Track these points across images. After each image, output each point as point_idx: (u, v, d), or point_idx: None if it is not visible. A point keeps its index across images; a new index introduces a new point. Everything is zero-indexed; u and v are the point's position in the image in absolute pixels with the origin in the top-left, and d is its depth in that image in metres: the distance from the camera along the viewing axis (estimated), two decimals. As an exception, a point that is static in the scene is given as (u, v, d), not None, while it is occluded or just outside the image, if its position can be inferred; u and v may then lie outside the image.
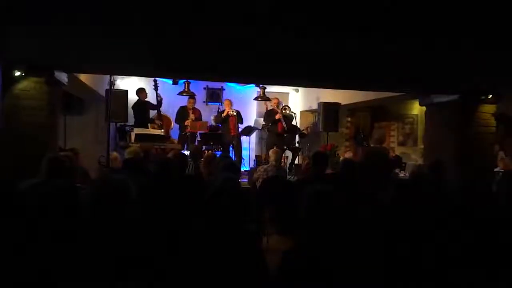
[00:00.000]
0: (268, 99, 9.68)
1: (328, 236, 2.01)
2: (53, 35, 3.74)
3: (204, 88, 10.64)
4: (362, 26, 3.16)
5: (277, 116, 8.96)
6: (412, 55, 4.09)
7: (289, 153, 9.34)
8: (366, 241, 2.11)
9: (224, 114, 9.06)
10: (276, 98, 9.38)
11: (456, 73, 4.95)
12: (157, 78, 8.52)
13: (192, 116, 8.88)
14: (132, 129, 8.01)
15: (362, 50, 3.91)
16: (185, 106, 9.06)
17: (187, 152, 7.98)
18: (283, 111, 9.04)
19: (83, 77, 6.99)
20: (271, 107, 9.37)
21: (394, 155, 8.98)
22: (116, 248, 1.92)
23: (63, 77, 5.52)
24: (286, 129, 8.91)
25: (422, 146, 8.47)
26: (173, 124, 9.06)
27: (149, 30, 3.55)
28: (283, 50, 4.02)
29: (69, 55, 4.68)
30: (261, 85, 9.55)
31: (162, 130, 8.33)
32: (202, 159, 5.81)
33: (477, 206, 2.45)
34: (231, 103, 9.25)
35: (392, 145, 10.29)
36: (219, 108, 9.95)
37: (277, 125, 9.01)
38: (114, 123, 7.45)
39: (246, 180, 7.77)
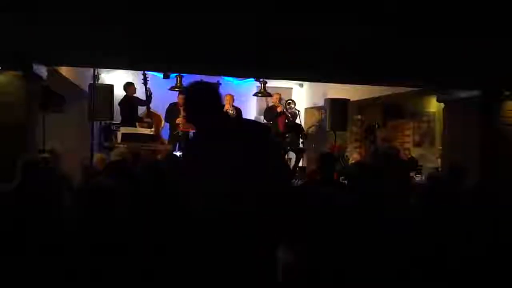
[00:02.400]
0: (269, 95, 9.61)
1: (334, 247, 2.01)
2: (31, 22, 3.73)
3: (199, 83, 10.62)
4: (376, 11, 3.15)
5: (278, 109, 8.91)
6: (431, 44, 4.08)
7: (292, 155, 9.32)
8: (376, 254, 2.11)
9: (223, 111, 8.99)
10: (278, 93, 9.32)
11: (478, 65, 4.95)
12: (146, 72, 8.51)
13: (184, 113, 8.84)
14: (119, 128, 8.00)
15: (376, 38, 3.90)
16: (176, 102, 9.03)
17: (179, 154, 7.97)
18: (287, 106, 9.00)
19: (64, 70, 6.99)
20: (272, 103, 9.33)
21: (409, 156, 8.96)
22: (105, 263, 1.91)
23: (42, 71, 5.51)
24: (288, 123, 8.84)
25: (440, 147, 8.46)
26: (163, 122, 9.05)
27: (136, 15, 3.54)
28: (288, 38, 4.00)
29: (48, 45, 4.68)
30: (261, 79, 9.48)
31: (152, 129, 8.32)
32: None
33: (501, 215, 2.44)
34: (232, 99, 9.04)
35: (406, 145, 10.27)
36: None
37: (277, 123, 8.98)
38: (98, 122, 7.44)
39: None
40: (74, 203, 2.03)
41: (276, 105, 9.10)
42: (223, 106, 2.59)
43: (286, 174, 2.51)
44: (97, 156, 6.07)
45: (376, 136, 9.61)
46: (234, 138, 2.32)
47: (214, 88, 2.56)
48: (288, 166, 3.14)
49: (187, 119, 2.46)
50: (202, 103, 2.40)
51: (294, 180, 8.06)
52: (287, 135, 8.95)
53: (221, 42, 4.27)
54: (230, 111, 8.85)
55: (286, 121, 8.94)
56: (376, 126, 9.41)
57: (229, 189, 2.16)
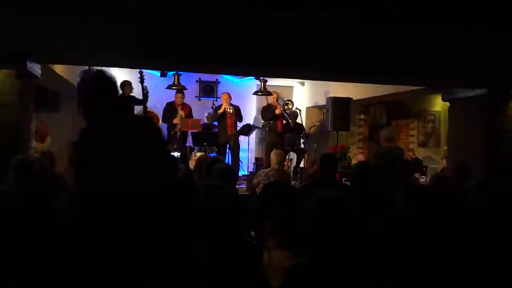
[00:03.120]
0: (269, 94, 9.60)
1: (337, 251, 2.02)
2: (25, 20, 3.75)
3: (197, 81, 10.64)
4: (379, 9, 3.18)
5: (277, 111, 8.90)
6: (437, 42, 4.10)
7: (293, 155, 9.34)
8: (380, 257, 2.12)
9: (221, 110, 8.92)
10: (276, 92, 9.30)
11: (485, 64, 4.97)
12: (143, 70, 8.52)
13: (181, 112, 8.85)
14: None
15: (379, 37, 3.93)
16: (173, 101, 9.04)
17: (177, 154, 7.98)
18: (285, 107, 8.98)
19: (58, 68, 6.99)
20: (269, 102, 9.31)
21: (413, 157, 8.99)
22: (98, 266, 1.93)
23: (36, 68, 5.52)
24: (291, 125, 8.84)
25: (446, 147, 8.48)
26: (161, 121, 9.06)
27: (133, 12, 3.57)
28: (291, 37, 4.03)
29: (43, 43, 4.69)
30: (261, 78, 9.49)
31: (149, 128, 8.31)
32: (194, 163, 5.81)
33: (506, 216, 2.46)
34: (229, 97, 9.04)
35: (411, 146, 10.30)
36: (213, 103, 9.92)
37: (276, 123, 8.99)
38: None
39: (245, 186, 7.78)
40: (68, 204, 2.03)
41: (273, 105, 9.06)
42: (116, 95, 2.51)
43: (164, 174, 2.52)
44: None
45: (380, 136, 9.63)
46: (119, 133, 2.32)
47: (105, 78, 2.49)
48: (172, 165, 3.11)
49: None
50: (94, 93, 2.36)
51: (296, 181, 8.10)
52: (288, 134, 8.96)
53: (219, 40, 4.28)
54: (228, 109, 8.85)
55: (284, 122, 8.91)
56: (380, 126, 9.44)
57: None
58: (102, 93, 2.39)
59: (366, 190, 3.83)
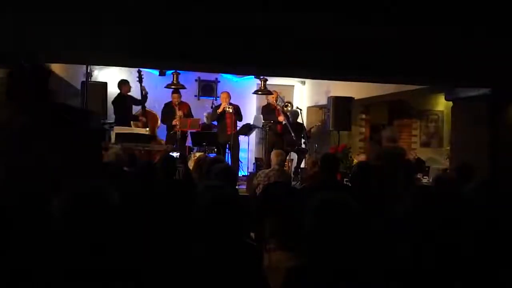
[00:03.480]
0: (269, 93, 9.61)
1: (338, 253, 2.03)
2: (21, 19, 3.76)
3: (196, 80, 10.65)
4: (380, 9, 3.18)
5: (280, 119, 8.92)
6: (439, 40, 4.11)
7: (294, 156, 9.35)
8: (381, 258, 2.13)
9: (220, 109, 8.94)
10: (275, 92, 9.30)
11: (488, 62, 4.98)
12: (141, 69, 8.53)
13: (179, 112, 8.85)
14: (112, 127, 8.03)
15: (381, 36, 3.93)
16: (170, 102, 9.04)
17: (176, 154, 7.99)
18: (284, 109, 8.99)
19: (54, 67, 7.00)
20: (269, 102, 9.32)
21: (415, 157, 9.00)
22: (93, 271, 1.93)
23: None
24: (289, 126, 8.84)
25: (449, 148, 8.48)
26: (159, 121, 9.07)
27: (131, 10, 3.57)
28: (289, 34, 4.04)
29: (40, 42, 4.69)
30: (262, 77, 9.50)
31: (147, 128, 8.34)
32: (193, 163, 5.82)
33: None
34: (229, 97, 9.06)
35: (413, 146, 10.31)
36: (213, 103, 9.93)
37: (277, 123, 9.02)
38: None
39: (245, 186, 7.79)
40: (62, 207, 2.03)
41: (272, 105, 9.07)
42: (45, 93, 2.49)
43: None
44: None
45: (382, 136, 9.63)
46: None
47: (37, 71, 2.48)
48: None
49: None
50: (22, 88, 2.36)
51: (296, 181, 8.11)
52: (292, 134, 8.95)
53: (219, 38, 4.29)
54: (227, 108, 8.86)
55: (284, 122, 8.90)
56: (381, 126, 9.44)
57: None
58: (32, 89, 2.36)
59: (367, 190, 3.84)
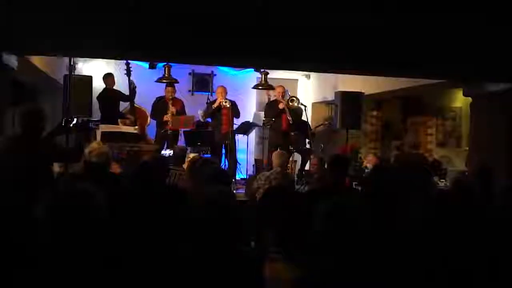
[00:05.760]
0: (271, 88, 9.58)
1: (348, 264, 2.03)
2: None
3: (190, 74, 10.64)
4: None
5: (280, 106, 8.85)
6: (457, 30, 4.10)
7: (298, 157, 9.34)
8: (396, 271, 2.13)
9: (215, 104, 8.89)
10: (281, 86, 9.22)
11: (509, 55, 4.98)
12: (130, 61, 8.52)
13: (172, 109, 8.84)
14: (98, 125, 8.03)
15: (393, 24, 3.93)
16: (163, 96, 9.03)
17: (167, 152, 7.96)
18: (289, 104, 8.92)
19: (36, 60, 7.01)
20: (274, 97, 9.28)
21: (432, 159, 9.00)
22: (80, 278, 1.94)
23: (12, 60, 5.53)
24: (291, 122, 8.81)
25: (467, 148, 8.49)
26: (149, 119, 9.07)
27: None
28: (291, 23, 4.03)
29: (20, 33, 4.69)
30: (262, 70, 9.47)
31: (136, 127, 8.34)
32: (185, 166, 5.81)
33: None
34: (225, 91, 9.02)
35: (429, 146, 10.31)
36: (208, 98, 9.86)
37: (281, 120, 8.94)
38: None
39: (243, 191, 7.79)
40: (47, 210, 2.05)
41: (278, 100, 9.00)
42: None
43: None
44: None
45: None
46: None
47: None
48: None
49: None
50: None
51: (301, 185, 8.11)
52: (292, 133, 8.95)
53: (214, 27, 4.28)
54: (223, 103, 8.81)
55: (289, 118, 8.84)
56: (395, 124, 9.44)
57: None
58: None
59: (382, 196, 3.83)
